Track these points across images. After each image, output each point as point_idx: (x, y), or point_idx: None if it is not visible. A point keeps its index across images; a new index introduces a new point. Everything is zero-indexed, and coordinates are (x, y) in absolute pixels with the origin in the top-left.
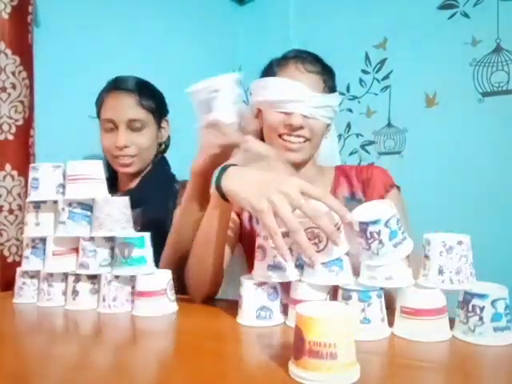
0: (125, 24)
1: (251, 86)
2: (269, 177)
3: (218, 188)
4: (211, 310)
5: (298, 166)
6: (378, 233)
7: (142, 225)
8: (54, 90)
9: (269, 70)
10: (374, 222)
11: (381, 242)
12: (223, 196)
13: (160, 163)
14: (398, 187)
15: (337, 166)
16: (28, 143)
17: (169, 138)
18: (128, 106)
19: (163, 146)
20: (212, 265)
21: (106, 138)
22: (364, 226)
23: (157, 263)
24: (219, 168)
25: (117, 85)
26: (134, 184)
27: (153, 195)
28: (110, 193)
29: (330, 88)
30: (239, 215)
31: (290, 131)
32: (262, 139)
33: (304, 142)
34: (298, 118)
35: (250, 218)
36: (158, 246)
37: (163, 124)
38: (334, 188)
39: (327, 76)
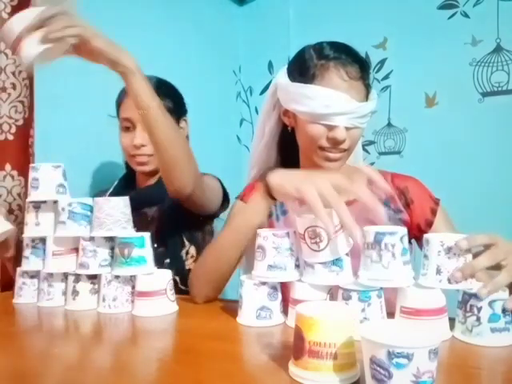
0: (125, 24)
1: (279, 81)
2: (313, 172)
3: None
4: (211, 310)
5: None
6: (393, 245)
7: (158, 222)
8: (54, 90)
9: (305, 69)
10: (391, 233)
11: (394, 255)
12: (268, 192)
13: None
14: (438, 199)
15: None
16: (28, 143)
17: (187, 137)
18: None
19: None
20: (232, 259)
21: (124, 136)
22: (380, 236)
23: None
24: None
25: None
26: (151, 182)
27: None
28: (127, 190)
29: (370, 90)
30: None
31: (333, 144)
32: (293, 137)
33: (344, 151)
34: (342, 131)
35: (277, 218)
36: (173, 243)
37: (182, 124)
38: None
39: (368, 79)
